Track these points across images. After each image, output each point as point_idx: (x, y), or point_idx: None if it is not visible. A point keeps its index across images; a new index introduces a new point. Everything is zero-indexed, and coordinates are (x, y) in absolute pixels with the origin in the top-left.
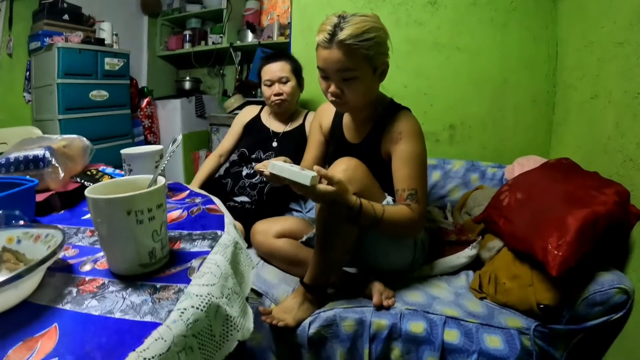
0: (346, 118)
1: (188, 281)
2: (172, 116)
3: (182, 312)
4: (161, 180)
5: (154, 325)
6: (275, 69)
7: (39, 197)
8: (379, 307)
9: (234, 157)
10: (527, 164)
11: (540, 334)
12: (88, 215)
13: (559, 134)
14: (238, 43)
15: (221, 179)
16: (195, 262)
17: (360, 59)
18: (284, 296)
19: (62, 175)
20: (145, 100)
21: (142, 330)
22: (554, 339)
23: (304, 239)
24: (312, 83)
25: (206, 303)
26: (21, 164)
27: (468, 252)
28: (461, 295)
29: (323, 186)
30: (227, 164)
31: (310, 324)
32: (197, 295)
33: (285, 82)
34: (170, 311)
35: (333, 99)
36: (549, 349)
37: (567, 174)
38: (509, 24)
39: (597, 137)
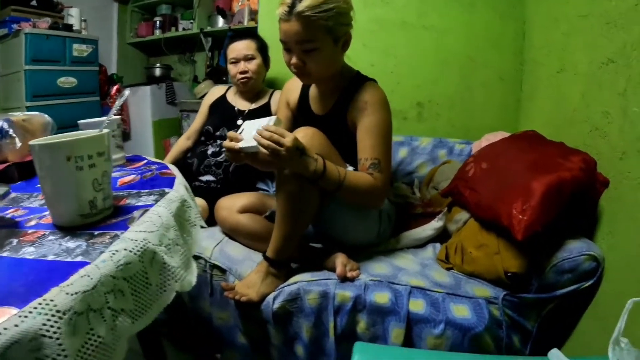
0: (312, 90)
1: (127, 229)
2: (142, 103)
3: (114, 254)
4: (105, 130)
5: (83, 265)
6: (240, 47)
7: None
8: (343, 279)
9: (201, 137)
10: (495, 140)
11: (509, 304)
12: None
13: (526, 110)
14: (209, 29)
15: (187, 159)
16: (136, 213)
17: (319, 30)
18: (249, 272)
19: (19, 145)
20: (115, 87)
21: (71, 269)
22: (524, 308)
23: (267, 213)
24: (278, 62)
25: (141, 247)
26: None
27: (434, 225)
28: (427, 266)
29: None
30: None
31: (274, 298)
32: (131, 240)
33: (251, 60)
34: (102, 252)
35: (296, 70)
36: (520, 319)
37: (533, 144)
38: (476, 3)
39: (563, 110)
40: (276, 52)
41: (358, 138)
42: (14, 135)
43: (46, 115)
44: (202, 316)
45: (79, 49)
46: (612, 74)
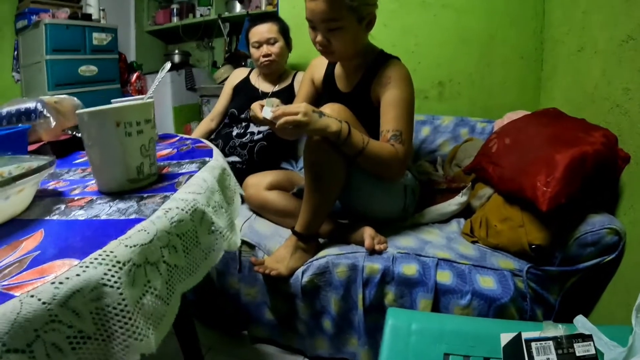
0: (338, 68)
1: (175, 191)
2: (162, 90)
3: (167, 211)
4: (150, 100)
5: (138, 221)
6: (262, 31)
7: (31, 148)
8: (372, 252)
9: (226, 119)
10: (516, 118)
11: (533, 276)
12: (79, 160)
13: (547, 89)
14: (226, 14)
15: (212, 141)
16: (182, 178)
17: (344, 9)
18: (277, 247)
19: (53, 124)
20: (135, 75)
21: (127, 225)
22: (548, 281)
23: (294, 190)
24: (300, 44)
25: (191, 207)
26: (13, 116)
27: (459, 199)
28: (453, 239)
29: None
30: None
31: (303, 272)
32: (182, 200)
33: (273, 43)
34: (155, 210)
35: (321, 48)
36: (543, 293)
37: (555, 120)
38: None
39: (584, 88)
40: (298, 34)
41: (381, 112)
42: (48, 115)
43: (76, 99)
44: (230, 293)
45: (99, 38)
46: (632, 51)
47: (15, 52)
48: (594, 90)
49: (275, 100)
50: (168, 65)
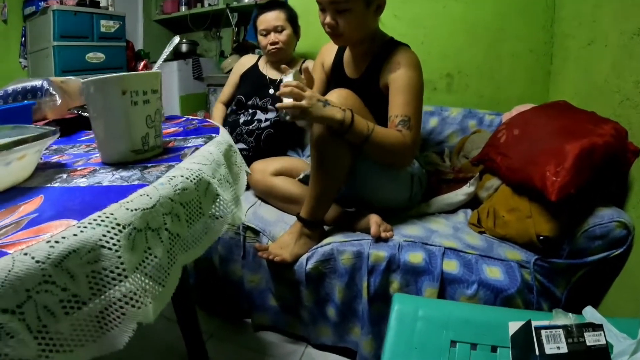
0: (347, 54)
1: (180, 162)
2: (170, 79)
3: (171, 179)
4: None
5: (141, 186)
6: (270, 18)
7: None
8: (377, 239)
9: (232, 106)
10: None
11: (540, 269)
12: (84, 137)
13: (556, 83)
14: (235, 4)
15: None
16: (187, 151)
17: None
18: (282, 233)
19: (59, 102)
20: (142, 63)
21: (129, 190)
22: (555, 274)
23: (301, 176)
24: (310, 31)
25: (196, 176)
26: (19, 94)
27: (466, 190)
28: (460, 229)
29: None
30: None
31: (307, 259)
32: (187, 169)
33: (281, 31)
34: (159, 177)
35: (329, 30)
36: (550, 286)
37: (564, 112)
38: None
39: (594, 81)
40: (307, 22)
41: (389, 97)
42: (54, 92)
43: (81, 80)
44: (233, 279)
45: (107, 25)
46: None
47: (23, 39)
48: (603, 83)
49: (297, 75)
50: (176, 39)
